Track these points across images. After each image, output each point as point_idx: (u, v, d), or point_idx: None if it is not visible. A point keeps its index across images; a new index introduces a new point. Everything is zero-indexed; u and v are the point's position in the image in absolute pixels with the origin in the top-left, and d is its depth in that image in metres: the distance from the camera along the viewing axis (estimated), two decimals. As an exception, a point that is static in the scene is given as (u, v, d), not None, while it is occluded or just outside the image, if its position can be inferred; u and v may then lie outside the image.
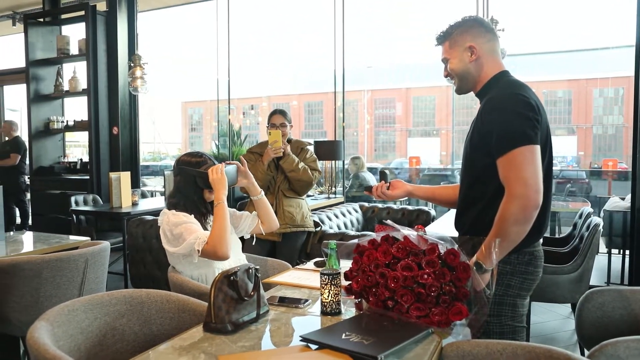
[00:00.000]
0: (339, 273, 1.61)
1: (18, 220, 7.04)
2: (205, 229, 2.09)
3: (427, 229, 1.62)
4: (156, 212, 4.54)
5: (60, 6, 6.61)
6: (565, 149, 27.83)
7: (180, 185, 2.15)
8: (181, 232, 2.00)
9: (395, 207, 4.77)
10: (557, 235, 5.46)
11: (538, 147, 1.55)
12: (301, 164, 3.22)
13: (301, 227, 3.28)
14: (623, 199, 5.10)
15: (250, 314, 1.53)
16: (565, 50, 30.95)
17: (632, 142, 3.99)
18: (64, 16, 6.32)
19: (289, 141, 3.30)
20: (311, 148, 3.43)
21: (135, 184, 6.00)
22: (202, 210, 2.14)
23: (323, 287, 1.60)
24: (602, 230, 3.34)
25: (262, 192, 2.33)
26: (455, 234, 1.81)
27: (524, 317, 1.68)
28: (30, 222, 6.59)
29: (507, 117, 1.56)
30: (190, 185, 2.13)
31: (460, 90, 1.79)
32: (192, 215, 2.07)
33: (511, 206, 1.51)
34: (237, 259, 2.18)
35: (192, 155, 2.21)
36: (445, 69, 1.79)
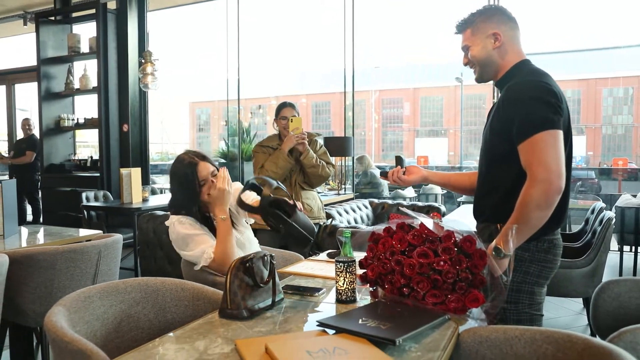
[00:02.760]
0: (354, 260, 1.61)
1: (29, 218, 7.09)
2: (213, 232, 2.08)
3: (444, 220, 1.61)
4: (166, 208, 4.56)
5: (71, 5, 6.65)
6: (574, 148, 27.62)
7: (177, 196, 2.11)
8: (188, 242, 2.02)
9: (405, 203, 4.76)
10: (567, 231, 5.43)
11: (561, 132, 1.54)
12: (319, 160, 3.24)
13: (316, 219, 3.34)
14: (635, 195, 5.06)
15: (266, 300, 1.53)
16: (573, 49, 30.81)
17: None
18: (74, 14, 6.37)
19: None
20: (320, 140, 3.43)
21: (145, 180, 6.03)
22: (206, 220, 2.12)
23: (338, 275, 1.60)
24: (613, 226, 3.32)
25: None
26: (470, 226, 1.80)
27: (541, 305, 1.67)
28: (41, 219, 6.64)
29: (529, 103, 1.56)
30: (188, 193, 2.06)
31: (481, 78, 1.78)
32: (198, 222, 2.07)
33: (533, 190, 1.50)
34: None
35: (182, 162, 2.08)
36: (465, 56, 1.78)
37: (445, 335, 1.31)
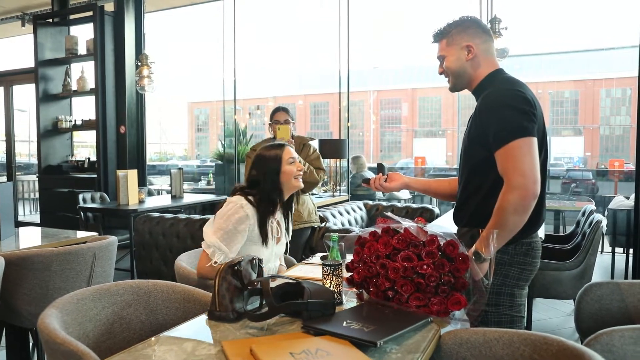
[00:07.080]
0: (341, 264, 1.65)
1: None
2: (265, 225, 2.01)
3: (429, 225, 1.66)
4: (163, 210, 4.60)
5: (69, 7, 6.69)
6: (572, 149, 27.73)
7: (259, 178, 2.05)
8: (225, 227, 1.94)
9: (399, 205, 4.80)
10: (561, 233, 5.47)
11: (535, 139, 1.59)
12: (307, 166, 3.25)
13: (308, 223, 3.34)
14: (628, 197, 5.11)
15: (253, 303, 1.57)
16: (571, 50, 30.80)
17: (636, 141, 4.00)
18: (72, 17, 6.41)
19: (292, 137, 3.31)
20: (313, 143, 3.44)
21: (142, 182, 6.07)
22: (275, 199, 2.06)
23: (325, 278, 1.64)
24: (605, 228, 3.36)
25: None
26: (456, 229, 1.85)
27: (522, 307, 1.72)
28: (39, 220, 6.67)
29: (504, 112, 1.61)
30: (270, 178, 2.04)
31: (454, 88, 1.84)
32: (257, 216, 1.99)
33: (510, 196, 1.55)
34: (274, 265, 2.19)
35: (270, 148, 2.11)
36: (440, 66, 1.84)
37: (426, 337, 1.35)
